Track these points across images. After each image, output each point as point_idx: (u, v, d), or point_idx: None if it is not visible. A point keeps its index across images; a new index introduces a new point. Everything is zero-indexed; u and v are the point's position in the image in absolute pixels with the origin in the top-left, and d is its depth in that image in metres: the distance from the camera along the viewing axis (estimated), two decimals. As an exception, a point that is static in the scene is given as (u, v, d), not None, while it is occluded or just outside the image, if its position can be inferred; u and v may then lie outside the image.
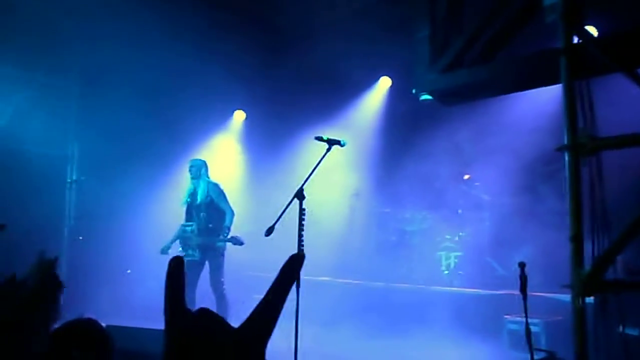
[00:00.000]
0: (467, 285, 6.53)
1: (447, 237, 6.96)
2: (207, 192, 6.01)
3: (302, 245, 3.74)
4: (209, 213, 5.96)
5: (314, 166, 4.02)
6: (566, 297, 4.28)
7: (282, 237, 4.27)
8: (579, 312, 2.21)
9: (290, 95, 8.19)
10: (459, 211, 6.84)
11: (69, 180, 7.33)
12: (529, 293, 5.71)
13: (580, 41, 2.53)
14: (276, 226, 3.95)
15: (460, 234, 6.92)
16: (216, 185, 6.09)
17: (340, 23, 7.81)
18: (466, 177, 7.21)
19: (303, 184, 3.91)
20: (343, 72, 8.14)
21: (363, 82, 8.61)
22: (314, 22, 7.81)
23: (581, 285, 2.16)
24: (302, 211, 3.78)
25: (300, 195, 3.84)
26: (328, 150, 4.16)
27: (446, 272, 6.90)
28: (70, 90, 7.48)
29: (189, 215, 6.06)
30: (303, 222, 3.75)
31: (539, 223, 5.83)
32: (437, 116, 7.09)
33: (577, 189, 2.24)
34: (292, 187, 3.94)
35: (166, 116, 7.79)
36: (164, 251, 6.00)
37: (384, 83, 8.56)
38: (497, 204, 6.76)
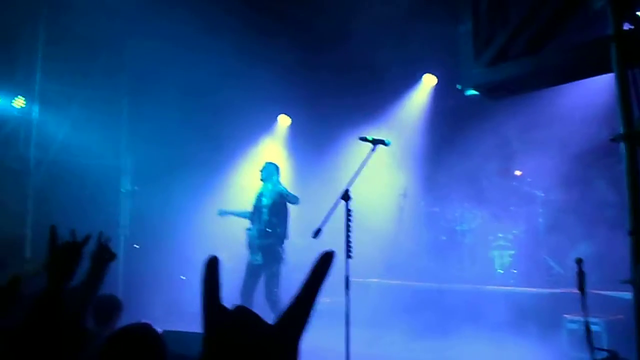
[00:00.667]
0: (523, 284, 6.35)
1: (500, 235, 6.77)
2: (273, 195, 6.07)
3: (350, 247, 3.73)
4: (270, 217, 6.01)
5: (359, 167, 4.00)
6: (627, 294, 4.11)
7: (331, 238, 4.28)
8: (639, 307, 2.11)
9: (334, 97, 8.19)
10: (511, 208, 6.65)
11: (123, 190, 7.59)
12: (588, 291, 5.52)
13: (632, 27, 2.43)
14: (324, 228, 3.95)
15: (514, 231, 6.73)
16: (282, 191, 6.11)
17: (381, 21, 7.76)
18: (517, 173, 7.01)
19: (348, 185, 3.90)
20: (386, 72, 8.10)
21: (407, 80, 8.54)
22: (355, 22, 7.79)
23: (642, 280, 2.06)
24: (348, 212, 3.77)
25: (346, 196, 3.84)
26: (373, 150, 4.13)
27: (500, 271, 6.72)
28: (120, 102, 7.75)
29: (253, 218, 6.13)
30: (350, 224, 3.73)
31: (595, 218, 5.62)
32: (483, 112, 6.93)
33: (634, 180, 2.14)
34: (339, 188, 3.94)
35: (211, 123, 7.95)
36: (221, 213, 6.28)
37: (428, 80, 8.46)
38: (551, 199, 6.54)
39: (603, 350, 3.05)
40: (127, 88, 7.81)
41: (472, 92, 3.98)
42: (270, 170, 6.12)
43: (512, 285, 6.37)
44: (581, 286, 2.70)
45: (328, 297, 3.75)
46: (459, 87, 4.02)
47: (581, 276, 2.71)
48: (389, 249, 7.65)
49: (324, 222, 3.91)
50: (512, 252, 6.68)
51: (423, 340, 5.74)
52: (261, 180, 6.14)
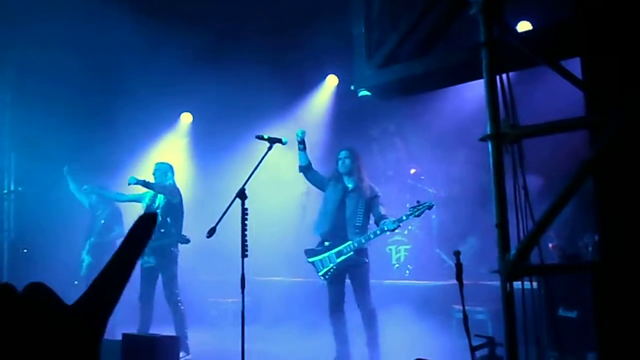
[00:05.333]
0: (418, 277, 6.65)
1: (397, 230, 7.04)
2: (170, 188, 5.88)
3: (247, 245, 3.71)
4: (164, 217, 5.84)
5: (256, 165, 4.00)
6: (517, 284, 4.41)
7: (228, 238, 4.24)
8: (507, 296, 2.27)
9: (237, 95, 8.11)
10: (407, 205, 6.93)
11: (5, 191, 7.04)
12: (476, 282, 5.89)
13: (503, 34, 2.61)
14: (219, 227, 3.91)
15: (410, 227, 7.02)
16: (175, 192, 5.95)
17: (288, 20, 7.81)
18: (412, 171, 7.33)
19: (245, 184, 3.89)
20: (291, 71, 8.16)
21: (311, 80, 8.65)
22: (260, 22, 7.78)
23: (507, 269, 2.22)
24: (244, 211, 3.76)
25: (242, 195, 3.82)
26: (269, 148, 4.15)
27: (396, 265, 7.00)
28: (2, 100, 7.19)
29: None
30: (246, 222, 3.72)
31: (486, 213, 5.98)
32: (381, 112, 7.18)
33: (500, 177, 2.31)
34: (238, 184, 3.90)
35: (109, 121, 7.59)
36: (131, 181, 5.79)
37: (331, 81, 8.62)
38: (442, 196, 6.90)
39: (482, 336, 3.25)
40: (11, 83, 7.27)
41: (365, 92, 4.11)
42: (163, 170, 5.95)
43: (408, 278, 6.65)
44: (459, 277, 2.87)
45: (232, 297, 3.72)
46: (352, 87, 4.14)
47: (459, 268, 2.88)
48: (292, 247, 7.72)
49: (219, 221, 3.87)
50: (408, 247, 6.98)
51: (322, 335, 5.84)
52: (156, 181, 5.94)
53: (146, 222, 0.61)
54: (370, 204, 5.15)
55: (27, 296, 0.55)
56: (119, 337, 4.11)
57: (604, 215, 2.58)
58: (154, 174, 5.96)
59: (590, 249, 4.14)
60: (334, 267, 5.14)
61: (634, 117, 1.98)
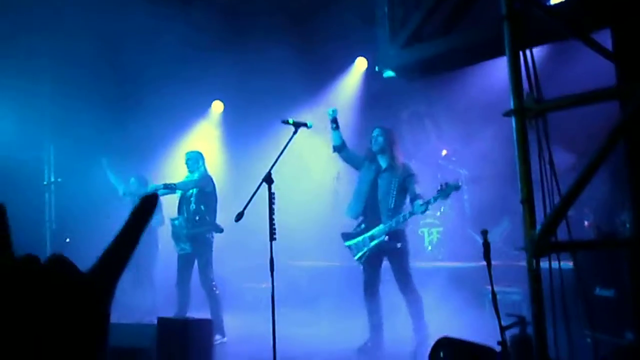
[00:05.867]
0: (451, 259, 6.59)
1: (428, 212, 6.98)
2: (202, 177, 5.97)
3: (275, 229, 3.75)
4: (198, 205, 5.94)
5: (282, 150, 4.02)
6: (549, 264, 4.34)
7: (265, 223, 4.27)
8: (533, 273, 2.24)
9: (267, 81, 8.14)
10: (440, 186, 6.87)
11: (45, 183, 7.29)
12: (511, 263, 5.79)
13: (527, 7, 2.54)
14: (247, 211, 3.96)
15: (442, 209, 6.95)
16: (208, 180, 6.04)
17: (313, 6, 7.78)
18: (444, 152, 7.23)
19: (271, 168, 3.92)
20: (319, 56, 8.13)
21: (340, 64, 8.61)
22: (287, 5, 7.76)
23: (533, 246, 2.19)
24: (271, 195, 3.79)
25: (268, 179, 3.85)
26: (295, 132, 4.16)
27: (429, 248, 6.95)
28: (41, 91, 7.41)
29: (180, 208, 6.05)
30: (273, 206, 3.75)
31: (516, 193, 5.86)
32: (411, 94, 7.10)
33: (524, 152, 2.26)
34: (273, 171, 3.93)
35: (141, 111, 7.74)
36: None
37: (360, 64, 8.55)
38: (475, 177, 6.79)
39: (513, 315, 3.21)
40: (50, 77, 7.47)
41: (390, 73, 4.07)
42: (195, 159, 6.04)
43: (441, 260, 6.61)
44: (487, 256, 2.83)
45: (266, 282, 3.79)
46: (377, 68, 4.10)
47: (486, 246, 2.84)
48: (325, 232, 7.76)
49: (247, 205, 3.91)
50: (440, 229, 6.92)
51: (354, 318, 5.88)
52: (188, 170, 6.05)
53: (148, 201, 0.69)
54: (404, 183, 5.05)
55: (49, 266, 0.62)
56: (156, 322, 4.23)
57: (635, 191, 2.50)
58: (186, 163, 6.07)
59: (628, 226, 4.02)
60: (368, 251, 5.10)
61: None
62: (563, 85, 3.11)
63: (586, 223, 4.85)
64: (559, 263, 2.58)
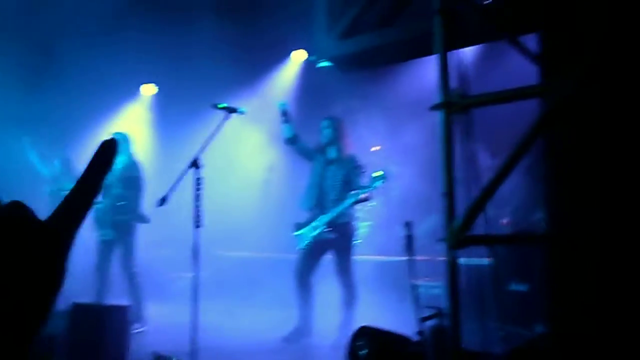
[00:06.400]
0: (379, 252, 6.70)
1: (357, 207, 7.06)
2: (126, 167, 5.74)
3: (200, 216, 3.65)
4: (123, 190, 5.71)
5: (210, 135, 3.92)
6: (469, 260, 4.46)
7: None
8: (451, 265, 2.28)
9: (203, 69, 7.95)
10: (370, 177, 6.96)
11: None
12: (436, 257, 5.95)
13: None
14: (184, 202, 3.85)
15: (372, 203, 7.04)
16: (135, 165, 5.83)
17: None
18: (375, 148, 7.32)
19: (199, 153, 3.81)
20: (257, 45, 8.01)
21: (278, 55, 8.52)
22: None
23: (452, 238, 2.23)
24: (198, 181, 3.69)
25: (196, 164, 3.74)
26: (226, 117, 4.07)
27: (359, 241, 7.01)
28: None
29: (104, 192, 5.78)
30: (199, 193, 3.65)
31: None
32: (346, 89, 7.13)
33: (448, 145, 2.30)
34: (204, 159, 3.83)
35: (66, 92, 7.36)
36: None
37: (298, 56, 8.49)
38: (405, 173, 6.92)
39: (433, 307, 3.28)
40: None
41: (326, 63, 4.06)
42: (120, 141, 5.80)
43: (369, 254, 6.69)
44: (409, 248, 2.87)
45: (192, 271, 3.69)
46: (312, 58, 4.08)
47: (409, 239, 2.88)
48: (256, 222, 7.69)
49: (170, 190, 3.79)
50: (369, 223, 7.01)
51: (284, 309, 5.86)
52: None
53: (108, 146, 0.69)
54: (349, 175, 5.08)
55: (8, 211, 0.62)
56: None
57: (550, 188, 2.61)
58: None
59: (542, 224, 4.21)
60: (310, 240, 5.13)
61: (578, 86, 1.98)
62: (492, 84, 3.21)
63: (505, 221, 5.05)
64: (476, 259, 2.66)
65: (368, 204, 5.98)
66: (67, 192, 0.67)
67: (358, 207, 5.51)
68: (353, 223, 5.22)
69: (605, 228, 2.29)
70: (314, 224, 5.13)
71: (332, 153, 5.17)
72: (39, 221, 0.63)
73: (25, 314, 0.59)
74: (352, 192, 4.89)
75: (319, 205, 5.17)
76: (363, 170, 5.14)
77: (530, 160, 2.42)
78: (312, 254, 5.16)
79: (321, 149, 5.25)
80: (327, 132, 5.15)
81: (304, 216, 5.36)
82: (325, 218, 5.04)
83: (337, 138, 5.14)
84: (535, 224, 4.40)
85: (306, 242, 5.17)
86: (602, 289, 2.31)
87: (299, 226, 5.29)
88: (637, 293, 2.20)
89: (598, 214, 2.31)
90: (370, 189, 4.89)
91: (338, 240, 5.06)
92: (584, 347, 2.36)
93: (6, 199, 0.66)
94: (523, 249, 4.17)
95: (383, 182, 4.91)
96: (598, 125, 2.32)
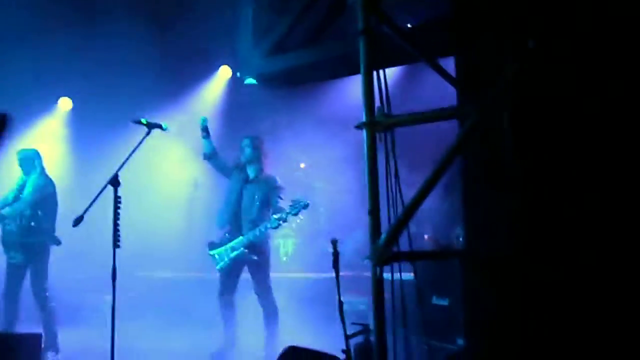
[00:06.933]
0: (305, 270, 6.69)
1: (284, 224, 7.03)
2: (38, 187, 5.39)
3: (119, 236, 3.50)
4: (34, 210, 5.37)
5: (131, 151, 3.78)
6: (390, 276, 4.53)
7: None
8: (377, 282, 2.30)
9: (123, 81, 7.68)
10: (291, 202, 6.96)
11: None
12: (360, 274, 6.01)
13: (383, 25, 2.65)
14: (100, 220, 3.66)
15: (298, 220, 7.03)
16: (47, 183, 5.51)
17: (181, 8, 7.52)
18: (302, 165, 7.36)
19: (118, 170, 3.67)
20: (182, 59, 7.87)
21: (203, 71, 8.40)
22: (145, 8, 7.40)
23: (377, 255, 2.25)
24: (117, 199, 3.53)
25: (115, 181, 3.59)
26: (148, 133, 3.95)
27: (284, 258, 6.99)
28: None
29: (12, 212, 5.40)
30: (119, 211, 3.50)
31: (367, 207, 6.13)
32: (273, 104, 7.13)
33: (373, 164, 2.33)
34: (126, 176, 3.67)
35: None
36: None
37: (225, 72, 8.41)
38: (330, 190, 7.00)
39: (359, 324, 3.30)
40: None
41: (251, 80, 4.06)
42: (30, 158, 5.47)
43: (295, 271, 6.68)
44: (335, 264, 2.88)
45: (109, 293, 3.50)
46: (238, 74, 4.06)
47: (335, 256, 2.89)
48: (180, 241, 7.47)
49: (87, 209, 3.61)
50: (295, 240, 7.01)
51: (206, 330, 5.70)
52: (23, 172, 5.46)
53: None
54: (268, 195, 5.07)
55: None
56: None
57: (467, 205, 2.71)
58: (19, 164, 5.47)
59: (461, 239, 4.37)
60: (229, 261, 5.11)
61: (491, 108, 2.08)
62: (413, 103, 3.31)
63: (426, 237, 5.21)
64: (400, 274, 2.71)
65: (293, 221, 5.99)
66: None
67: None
68: (269, 242, 5.25)
69: (520, 243, 2.40)
70: (231, 244, 5.12)
71: (251, 172, 5.18)
72: None
73: None
74: (274, 216, 4.88)
75: (234, 223, 5.16)
76: (281, 192, 5.16)
77: (449, 180, 2.52)
78: (232, 274, 5.16)
79: (240, 167, 5.23)
80: (247, 151, 5.14)
81: (217, 234, 5.31)
82: (244, 240, 5.03)
83: (256, 157, 5.15)
84: (453, 239, 4.57)
85: (225, 263, 5.13)
86: (515, 304, 2.42)
87: (214, 246, 5.26)
88: (547, 306, 2.31)
89: (513, 229, 2.42)
90: (292, 214, 4.89)
91: (256, 260, 5.07)
92: None
93: None
94: (444, 263, 4.31)
95: (305, 209, 4.93)
96: (512, 142, 2.44)
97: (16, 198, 5.43)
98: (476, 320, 2.84)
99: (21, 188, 5.46)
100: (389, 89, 2.65)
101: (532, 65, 2.24)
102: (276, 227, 4.99)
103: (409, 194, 2.45)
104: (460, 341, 3.90)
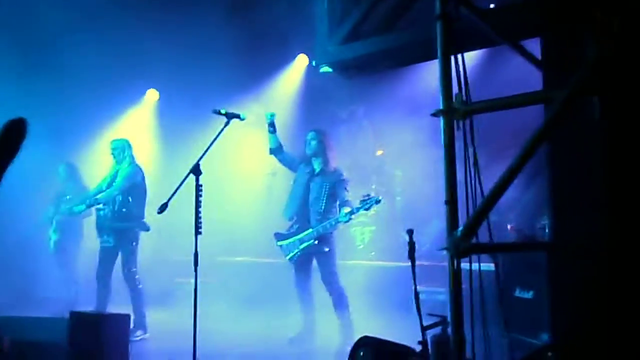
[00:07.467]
0: (382, 258, 6.65)
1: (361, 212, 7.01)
2: (128, 175, 5.72)
3: (200, 224, 3.63)
4: (125, 197, 5.70)
5: (211, 141, 3.90)
6: (472, 265, 4.41)
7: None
8: (454, 274, 2.24)
9: (205, 72, 7.93)
10: (372, 186, 6.91)
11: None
12: (439, 263, 5.90)
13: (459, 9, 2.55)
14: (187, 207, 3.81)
15: (375, 208, 6.99)
16: (137, 171, 5.81)
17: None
18: (379, 152, 7.29)
19: (199, 159, 3.79)
20: (260, 50, 8.00)
21: (281, 60, 8.50)
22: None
23: (455, 246, 2.19)
24: (198, 187, 3.66)
25: (196, 170, 3.72)
26: (227, 124, 4.06)
27: (361, 246, 6.99)
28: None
29: (105, 198, 5.77)
30: (200, 199, 3.63)
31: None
32: (350, 93, 7.11)
33: (450, 152, 2.26)
34: (206, 165, 3.81)
35: (70, 95, 7.36)
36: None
37: (302, 60, 8.47)
38: (409, 177, 6.89)
39: (435, 315, 3.23)
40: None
41: (327, 69, 4.03)
42: (121, 148, 5.79)
43: (372, 259, 6.66)
44: (411, 255, 2.84)
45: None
46: (314, 63, 4.06)
47: (411, 246, 2.85)
48: (259, 228, 7.65)
49: (171, 196, 3.77)
50: (372, 227, 6.97)
51: (283, 316, 5.82)
52: (115, 160, 5.79)
53: (14, 128, 0.65)
54: (334, 188, 5.13)
55: None
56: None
57: (554, 195, 2.57)
58: (112, 153, 5.80)
59: (547, 230, 4.16)
60: (299, 252, 5.22)
61: (578, 92, 1.95)
62: (494, 89, 3.17)
63: (509, 227, 5.00)
64: (479, 264, 2.62)
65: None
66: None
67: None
68: (334, 233, 5.29)
69: (611, 236, 2.24)
70: (300, 236, 5.22)
71: (317, 165, 5.26)
72: None
73: None
74: (345, 211, 4.97)
75: (302, 216, 5.26)
76: (347, 184, 5.21)
77: (534, 167, 2.38)
78: (305, 264, 5.29)
79: (305, 160, 5.32)
80: (312, 144, 5.23)
81: (284, 226, 5.43)
82: (314, 232, 5.13)
83: (322, 150, 5.22)
84: (538, 230, 4.36)
85: (294, 254, 5.25)
86: (605, 299, 2.27)
87: (281, 236, 5.39)
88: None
89: (604, 221, 2.27)
90: (363, 209, 4.98)
91: (323, 249, 5.15)
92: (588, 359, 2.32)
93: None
94: (529, 254, 4.12)
95: (377, 204, 4.93)
96: (603, 131, 2.28)
97: (109, 185, 5.78)
98: (563, 315, 2.71)
99: (114, 176, 5.80)
100: (468, 74, 2.55)
101: (620, 49, 2.07)
102: (347, 222, 5.07)
103: (488, 183, 2.36)
104: (544, 336, 3.73)
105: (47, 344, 3.74)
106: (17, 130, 0.63)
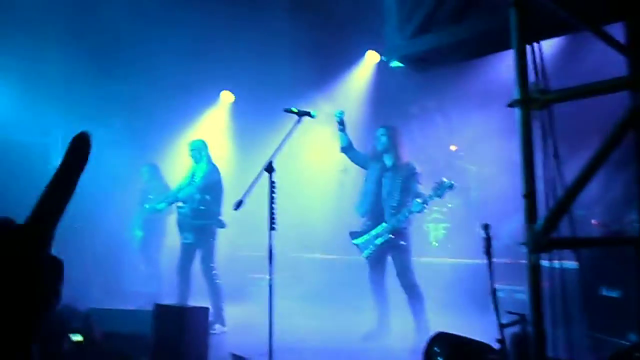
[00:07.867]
0: (457, 255, 6.51)
1: (435, 208, 6.90)
2: (206, 175, 5.94)
3: (274, 219, 3.70)
4: (203, 195, 5.92)
5: (284, 139, 3.96)
6: (551, 263, 4.25)
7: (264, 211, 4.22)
8: (533, 269, 2.17)
9: (277, 71, 8.08)
10: (435, 184, 6.76)
11: (50, 168, 7.31)
12: (518, 261, 5.70)
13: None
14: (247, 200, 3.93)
15: (449, 205, 6.86)
16: (214, 170, 6.02)
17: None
18: (453, 147, 7.13)
19: (272, 157, 3.87)
20: (330, 47, 8.05)
21: (351, 57, 8.52)
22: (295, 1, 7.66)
23: (533, 241, 2.12)
24: (272, 184, 3.74)
25: (269, 168, 3.80)
26: (298, 122, 4.11)
27: (435, 243, 6.87)
28: (54, 77, 7.37)
29: (185, 197, 6.03)
30: (274, 196, 3.71)
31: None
32: (422, 88, 7.00)
33: (528, 144, 2.19)
34: (279, 163, 3.89)
35: (149, 99, 7.72)
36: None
37: (372, 57, 8.44)
38: (484, 173, 6.69)
39: (514, 313, 3.14)
40: (63, 63, 7.41)
41: (397, 63, 3.99)
42: (199, 149, 6.01)
43: (446, 256, 6.53)
44: (487, 250, 2.76)
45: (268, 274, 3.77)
46: (384, 58, 4.03)
47: (487, 241, 2.77)
48: (331, 225, 7.71)
49: (246, 194, 3.87)
50: (447, 224, 6.83)
51: (355, 312, 5.83)
52: (193, 161, 6.03)
53: (81, 143, 0.68)
54: (407, 182, 5.08)
55: None
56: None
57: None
58: (190, 154, 6.04)
59: (636, 224, 3.91)
60: (375, 248, 5.21)
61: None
62: (574, 78, 3.02)
63: (593, 222, 4.74)
64: (560, 261, 2.51)
65: (444, 205, 5.86)
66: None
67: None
68: (410, 227, 5.22)
69: None
70: (374, 232, 5.19)
71: (388, 160, 5.23)
72: (13, 223, 0.64)
73: (13, 312, 0.60)
74: (417, 200, 4.84)
75: (375, 211, 5.23)
76: (420, 178, 5.16)
77: (621, 157, 2.24)
78: (380, 260, 5.25)
79: (376, 156, 5.29)
80: (382, 140, 5.23)
81: (358, 224, 5.42)
82: (388, 226, 5.08)
83: (392, 145, 5.20)
84: (626, 225, 4.10)
85: (370, 250, 5.22)
86: None
87: (356, 235, 5.38)
88: None
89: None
90: (436, 196, 4.85)
91: (399, 243, 5.10)
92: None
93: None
94: (615, 251, 3.90)
95: (450, 190, 4.81)
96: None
97: (189, 184, 6.02)
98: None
99: (193, 175, 6.04)
100: (545, 63, 2.45)
101: None
102: (420, 211, 4.98)
103: (568, 175, 2.26)
104: (633, 337, 3.52)
105: (134, 335, 3.96)
106: (83, 144, 0.68)
